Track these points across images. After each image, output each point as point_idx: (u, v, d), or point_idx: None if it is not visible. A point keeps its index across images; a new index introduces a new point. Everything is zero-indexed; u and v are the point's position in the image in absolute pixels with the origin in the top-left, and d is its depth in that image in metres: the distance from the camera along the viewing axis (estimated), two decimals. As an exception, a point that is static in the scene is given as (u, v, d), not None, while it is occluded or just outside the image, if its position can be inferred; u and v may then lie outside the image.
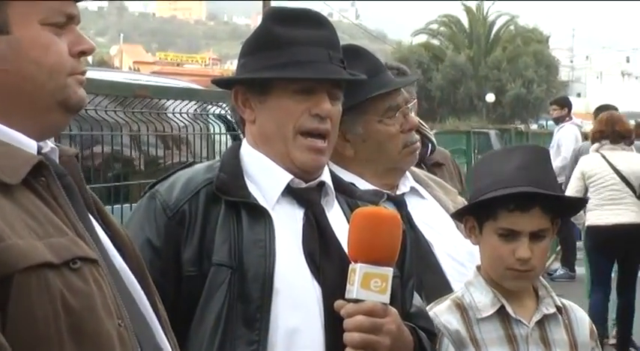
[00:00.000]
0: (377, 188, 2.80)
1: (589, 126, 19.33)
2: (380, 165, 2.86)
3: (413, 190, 2.97)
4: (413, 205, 2.89)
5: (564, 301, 2.62)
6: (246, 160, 2.25)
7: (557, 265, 12.26)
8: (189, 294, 2.10)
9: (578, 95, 72.44)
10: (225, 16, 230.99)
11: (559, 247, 12.68)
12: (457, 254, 2.84)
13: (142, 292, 1.68)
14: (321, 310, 2.09)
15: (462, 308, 2.49)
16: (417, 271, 2.50)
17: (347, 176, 2.66)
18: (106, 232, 1.69)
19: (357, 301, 2.04)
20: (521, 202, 2.43)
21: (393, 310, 2.11)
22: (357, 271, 2.03)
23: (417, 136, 2.96)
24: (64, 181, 1.61)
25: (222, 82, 2.43)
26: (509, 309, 2.48)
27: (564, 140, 11.67)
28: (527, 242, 2.45)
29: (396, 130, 2.84)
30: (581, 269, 11.79)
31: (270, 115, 2.22)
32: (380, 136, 2.83)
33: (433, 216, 2.92)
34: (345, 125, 2.77)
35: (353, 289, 2.04)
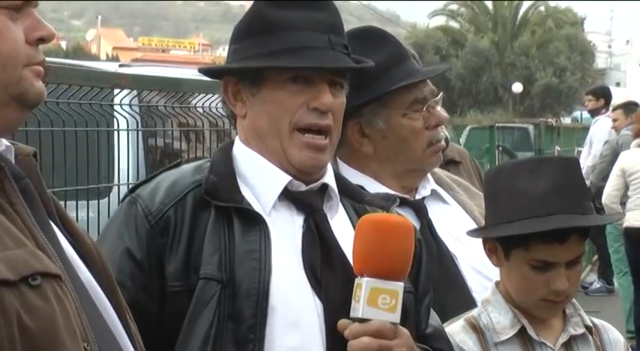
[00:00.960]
0: (389, 192, 2.78)
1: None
2: (401, 165, 2.85)
3: (434, 193, 2.95)
4: (434, 211, 2.87)
5: (596, 320, 2.62)
6: (240, 159, 2.24)
7: (592, 277, 12.24)
8: (173, 311, 2.09)
9: (618, 85, 72.18)
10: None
11: (595, 257, 12.65)
12: (484, 268, 2.80)
13: (111, 309, 1.67)
14: (322, 330, 2.09)
15: (477, 330, 2.48)
16: (440, 287, 2.49)
17: (356, 178, 2.65)
18: (69, 241, 1.67)
19: (363, 320, 2.03)
20: (560, 233, 2.41)
21: (404, 330, 2.10)
22: (363, 286, 2.02)
23: (443, 134, 2.94)
24: (21, 184, 1.60)
25: (211, 72, 2.43)
26: (530, 331, 2.47)
27: (597, 136, 11.62)
28: (564, 272, 2.43)
29: (421, 126, 2.82)
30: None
31: (264, 109, 2.21)
32: (404, 132, 2.81)
33: (457, 224, 2.89)
34: (364, 119, 2.76)
35: (358, 307, 2.03)
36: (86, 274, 1.65)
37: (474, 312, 2.54)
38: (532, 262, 2.43)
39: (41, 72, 1.64)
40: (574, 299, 2.58)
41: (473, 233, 2.62)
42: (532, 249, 2.43)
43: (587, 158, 11.56)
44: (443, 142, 2.92)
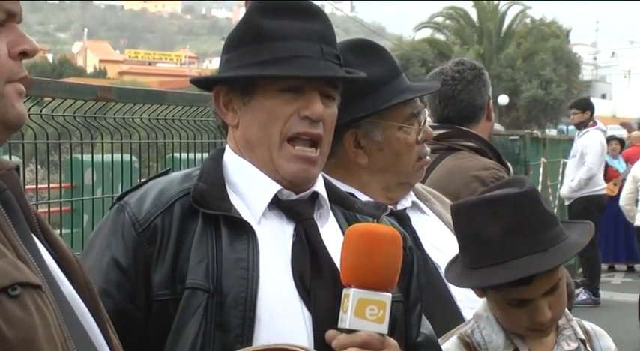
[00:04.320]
0: (378, 201, 2.78)
1: (616, 131, 19.52)
2: (393, 177, 2.86)
3: (414, 205, 2.97)
4: (415, 221, 2.88)
5: (589, 325, 2.60)
6: (230, 168, 2.24)
7: (578, 288, 12.25)
8: (160, 320, 2.08)
9: (603, 96, 72.45)
10: (204, 9, 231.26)
11: (580, 269, 12.68)
12: None
13: (92, 321, 1.66)
14: (310, 340, 2.07)
15: (470, 348, 2.47)
16: (427, 298, 2.48)
17: (345, 188, 2.65)
18: (51, 255, 1.66)
19: (350, 331, 2.01)
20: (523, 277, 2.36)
21: (392, 341, 2.08)
22: (351, 296, 2.01)
23: (429, 150, 2.96)
24: (2, 196, 1.59)
25: (201, 82, 2.42)
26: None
27: (590, 149, 11.70)
28: (542, 303, 2.40)
29: (414, 141, 2.84)
30: (605, 293, 11.86)
31: (255, 118, 2.20)
32: (399, 146, 2.83)
33: (437, 234, 2.92)
34: (362, 130, 2.77)
35: (346, 318, 2.01)
36: (68, 286, 1.65)
37: (466, 328, 2.53)
38: (507, 301, 2.42)
39: (23, 92, 1.63)
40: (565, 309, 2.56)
41: (447, 276, 2.58)
42: (502, 291, 2.42)
43: (579, 170, 11.67)
44: (429, 158, 2.95)
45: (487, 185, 3.43)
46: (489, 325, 2.49)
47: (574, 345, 2.50)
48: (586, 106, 12.23)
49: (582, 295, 11.80)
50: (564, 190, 12.02)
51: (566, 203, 12.07)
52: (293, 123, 2.17)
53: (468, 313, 2.78)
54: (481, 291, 2.50)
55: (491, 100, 4.00)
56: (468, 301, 2.82)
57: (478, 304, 2.59)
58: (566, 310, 2.56)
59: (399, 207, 2.91)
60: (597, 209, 11.70)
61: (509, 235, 2.37)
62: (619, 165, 14.32)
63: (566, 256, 2.42)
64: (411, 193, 2.98)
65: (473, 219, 2.43)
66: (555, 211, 12.36)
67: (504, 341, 2.47)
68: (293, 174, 2.19)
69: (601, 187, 12.05)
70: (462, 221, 2.48)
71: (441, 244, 2.88)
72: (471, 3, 53.70)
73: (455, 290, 2.81)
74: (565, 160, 13.23)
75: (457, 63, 4.00)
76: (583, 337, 2.53)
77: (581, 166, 11.70)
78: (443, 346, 2.46)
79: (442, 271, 2.81)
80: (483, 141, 3.89)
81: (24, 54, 1.62)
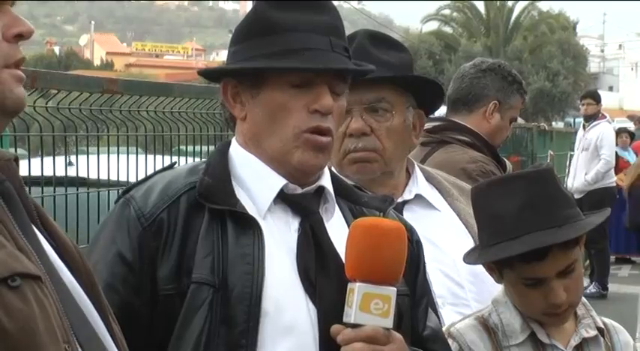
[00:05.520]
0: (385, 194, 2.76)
1: (623, 124, 19.59)
2: (335, 167, 2.80)
3: (419, 197, 2.94)
4: (415, 214, 2.85)
5: (607, 320, 2.61)
6: (236, 161, 2.23)
7: (585, 281, 12.24)
8: (165, 315, 2.07)
9: (610, 89, 72.37)
10: (211, 1, 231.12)
11: (587, 261, 12.68)
12: (456, 274, 2.81)
13: (94, 310, 1.65)
14: (316, 335, 2.07)
15: (488, 329, 2.49)
16: None
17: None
18: (52, 245, 1.66)
19: (355, 325, 2.02)
20: (537, 252, 2.37)
21: (398, 335, 2.08)
22: (356, 291, 2.01)
23: (366, 144, 2.83)
24: (1, 187, 1.59)
25: (209, 74, 2.41)
26: (541, 335, 2.47)
27: (605, 141, 11.74)
28: (557, 284, 2.40)
29: (340, 133, 2.76)
30: (612, 286, 11.85)
31: (263, 112, 2.18)
32: None
33: (438, 229, 2.88)
34: None
35: (351, 312, 2.02)
36: (68, 276, 1.64)
37: (484, 311, 2.55)
38: (522, 280, 2.43)
39: (22, 77, 1.61)
40: (584, 299, 2.56)
41: (465, 258, 2.59)
42: (517, 269, 2.42)
43: (593, 163, 11.69)
44: (365, 153, 2.83)
45: (473, 178, 3.44)
46: (507, 310, 2.51)
47: (593, 333, 2.52)
48: (600, 98, 12.25)
49: (592, 288, 11.81)
50: (578, 183, 11.97)
51: (578, 196, 12.03)
52: (303, 118, 2.16)
53: (447, 310, 2.77)
54: (498, 275, 2.50)
55: (498, 105, 3.97)
56: (450, 297, 2.81)
57: (462, 301, 2.60)
58: (585, 300, 2.56)
59: (400, 199, 2.88)
60: (612, 201, 11.75)
61: (524, 211, 2.39)
62: (629, 156, 14.42)
63: (579, 232, 2.43)
64: (420, 184, 2.96)
65: (490, 198, 2.48)
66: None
67: (521, 325, 2.48)
68: (305, 161, 2.16)
69: (614, 178, 12.14)
70: (480, 201, 2.52)
71: (440, 239, 2.85)
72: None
73: (437, 286, 2.78)
74: (572, 153, 13.24)
75: (495, 61, 4.18)
76: (601, 325, 2.55)
77: (596, 159, 11.72)
78: (459, 326, 2.49)
79: (427, 265, 2.78)
80: (478, 136, 3.88)
81: (19, 36, 1.59)
